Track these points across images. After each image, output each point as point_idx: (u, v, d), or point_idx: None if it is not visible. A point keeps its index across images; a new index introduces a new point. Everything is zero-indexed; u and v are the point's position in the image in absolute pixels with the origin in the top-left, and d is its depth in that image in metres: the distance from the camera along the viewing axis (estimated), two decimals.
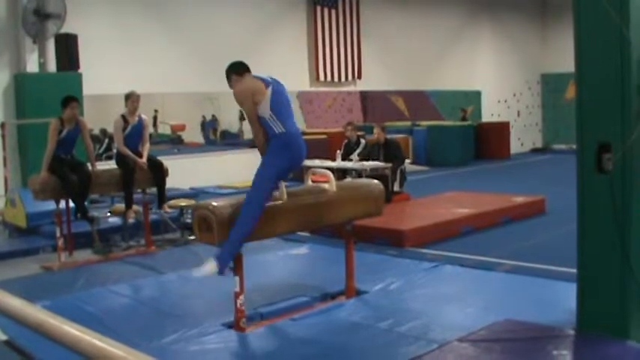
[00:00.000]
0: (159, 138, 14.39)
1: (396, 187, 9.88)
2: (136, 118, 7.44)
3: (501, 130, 18.75)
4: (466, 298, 5.08)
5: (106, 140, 12.49)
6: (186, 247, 7.59)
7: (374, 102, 16.96)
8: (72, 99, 7.14)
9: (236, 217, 4.36)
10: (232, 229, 4.36)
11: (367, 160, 9.94)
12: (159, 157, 7.78)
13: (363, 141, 10.53)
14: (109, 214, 8.25)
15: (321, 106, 15.72)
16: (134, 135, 7.42)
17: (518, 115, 21.10)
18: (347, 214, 5.09)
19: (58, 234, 6.99)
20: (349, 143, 10.56)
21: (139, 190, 7.62)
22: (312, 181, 5.31)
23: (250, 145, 13.76)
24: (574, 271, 4.15)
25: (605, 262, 3.91)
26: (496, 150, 18.19)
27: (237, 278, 4.44)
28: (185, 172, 11.48)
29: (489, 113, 19.95)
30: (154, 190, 7.68)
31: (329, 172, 5.04)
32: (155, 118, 13.99)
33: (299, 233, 6.85)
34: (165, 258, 7.11)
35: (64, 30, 10.07)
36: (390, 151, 10.02)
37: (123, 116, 7.39)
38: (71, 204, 7.23)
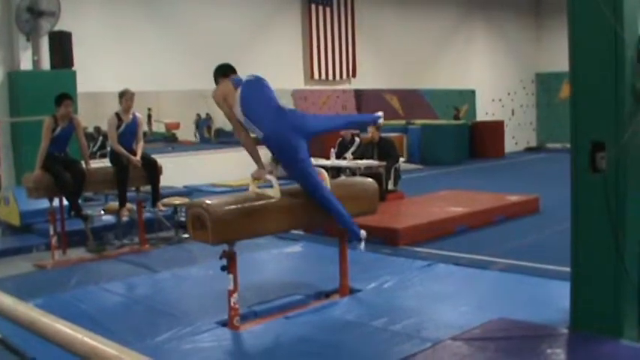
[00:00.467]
0: (153, 136, 14.35)
1: (390, 186, 9.89)
2: (130, 116, 7.43)
3: (496, 129, 18.78)
4: (460, 297, 5.09)
5: (100, 138, 12.44)
6: (180, 246, 7.58)
7: (368, 100, 16.95)
8: (66, 97, 7.12)
9: (231, 217, 4.37)
10: (335, 213, 4.71)
11: (361, 158, 9.94)
12: (153, 155, 7.77)
13: (357, 139, 10.54)
14: (102, 212, 8.23)
15: (315, 104, 15.71)
16: (128, 133, 7.41)
17: (513, 114, 21.14)
18: None
19: (51, 232, 6.97)
20: (343, 142, 10.57)
21: (133, 188, 7.60)
22: None
23: None
24: (568, 269, 4.16)
25: (598, 260, 3.92)
26: (490, 149, 18.23)
27: (230, 276, 4.43)
28: (179, 171, 11.47)
29: (484, 112, 19.99)
30: (148, 188, 7.66)
31: (323, 171, 5.03)
32: (149, 117, 13.94)
33: (293, 231, 6.85)
34: (159, 256, 7.09)
35: (58, 27, 10.04)
36: (384, 150, 10.03)
37: (117, 114, 7.37)
38: (65, 202, 7.21)
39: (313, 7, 15.33)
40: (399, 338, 4.18)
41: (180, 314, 4.85)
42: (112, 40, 11.66)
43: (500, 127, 18.95)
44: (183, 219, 7.74)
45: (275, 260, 6.69)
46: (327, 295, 5.26)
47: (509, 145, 19.84)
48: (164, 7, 12.68)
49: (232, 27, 13.67)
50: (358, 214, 5.36)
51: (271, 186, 4.69)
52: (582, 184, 3.95)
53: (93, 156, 10.59)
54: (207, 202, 4.43)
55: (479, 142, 18.22)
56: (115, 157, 7.37)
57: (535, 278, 5.47)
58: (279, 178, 4.79)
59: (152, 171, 7.53)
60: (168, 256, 7.01)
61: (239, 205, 4.50)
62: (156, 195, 7.62)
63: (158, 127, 15.12)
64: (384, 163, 9.75)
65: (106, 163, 7.77)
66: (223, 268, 4.43)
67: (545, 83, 21.67)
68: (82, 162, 7.22)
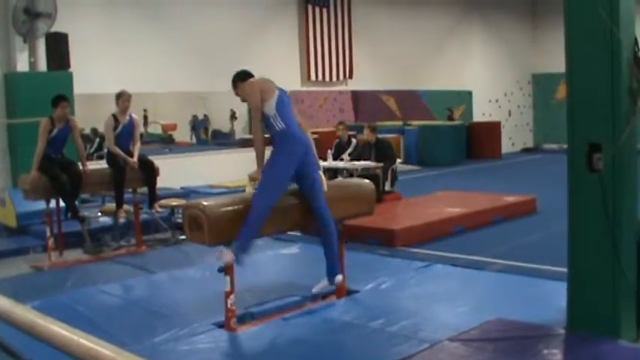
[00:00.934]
0: (150, 137, 14.35)
1: (387, 187, 9.89)
2: (127, 118, 7.42)
3: (492, 129, 18.80)
4: (457, 298, 5.09)
5: (97, 140, 12.44)
6: (176, 247, 7.57)
7: (365, 102, 16.96)
8: (62, 98, 7.12)
9: (228, 218, 4.38)
10: (246, 224, 4.46)
11: (358, 159, 9.95)
12: (150, 157, 7.76)
13: (354, 141, 10.54)
14: (99, 213, 8.21)
15: (312, 106, 15.71)
16: (125, 134, 7.40)
17: (510, 114, 21.17)
18: (338, 214, 5.08)
19: (48, 234, 6.96)
20: (340, 143, 10.56)
21: (130, 190, 7.60)
22: None
23: (241, 144, 13.77)
24: (565, 270, 4.16)
25: (595, 261, 3.93)
26: (487, 150, 18.24)
27: (227, 278, 4.42)
28: (176, 172, 11.43)
29: (480, 113, 20.00)
30: (144, 189, 7.65)
31: (320, 173, 5.04)
32: (145, 118, 13.94)
33: (290, 233, 6.84)
34: (156, 258, 7.08)
35: (55, 29, 10.01)
36: (381, 151, 10.03)
37: (114, 115, 7.37)
38: (62, 203, 7.20)
39: (310, 8, 15.33)
40: (396, 339, 4.18)
41: (177, 316, 4.84)
42: (108, 42, 11.65)
43: (497, 128, 18.97)
44: (180, 220, 7.74)
45: (272, 261, 6.69)
46: (324, 296, 5.25)
47: (506, 146, 19.87)
48: (160, 8, 12.66)
49: (229, 28, 13.66)
50: (355, 215, 5.38)
51: None
52: (579, 184, 3.96)
53: (90, 157, 10.59)
54: (204, 203, 4.43)
55: (476, 143, 18.23)
56: (111, 158, 7.35)
57: (532, 279, 5.48)
58: None
59: (149, 172, 7.53)
60: (165, 258, 7.01)
61: (236, 207, 4.50)
62: (153, 196, 7.61)
63: (155, 129, 15.13)
64: (381, 164, 9.75)
65: (103, 164, 7.76)
66: (220, 270, 4.43)
67: (541, 84, 21.70)
68: (79, 163, 7.21)
